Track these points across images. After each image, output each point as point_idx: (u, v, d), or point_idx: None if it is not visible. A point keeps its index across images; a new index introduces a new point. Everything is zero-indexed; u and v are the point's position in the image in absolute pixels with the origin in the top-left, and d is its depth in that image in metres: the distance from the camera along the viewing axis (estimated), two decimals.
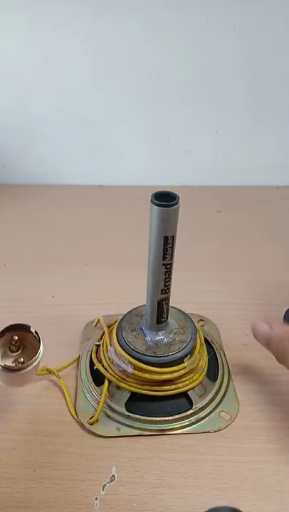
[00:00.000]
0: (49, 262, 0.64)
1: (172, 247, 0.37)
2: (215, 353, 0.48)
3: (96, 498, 0.36)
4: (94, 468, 0.38)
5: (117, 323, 0.45)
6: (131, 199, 0.79)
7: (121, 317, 0.45)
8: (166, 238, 0.36)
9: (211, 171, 0.85)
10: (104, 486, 0.37)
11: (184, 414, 0.41)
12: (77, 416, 0.42)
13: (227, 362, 0.47)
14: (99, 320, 0.50)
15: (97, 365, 0.44)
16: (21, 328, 0.39)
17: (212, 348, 0.48)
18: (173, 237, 0.36)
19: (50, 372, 0.45)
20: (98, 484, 0.37)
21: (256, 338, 0.41)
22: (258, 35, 0.73)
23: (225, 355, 0.48)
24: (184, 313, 0.45)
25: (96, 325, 0.51)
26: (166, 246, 0.36)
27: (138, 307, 0.46)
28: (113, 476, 0.38)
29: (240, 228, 0.73)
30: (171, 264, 0.38)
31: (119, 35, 0.72)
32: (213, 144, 0.83)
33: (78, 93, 0.78)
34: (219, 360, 0.47)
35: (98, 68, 0.75)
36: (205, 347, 0.45)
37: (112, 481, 0.37)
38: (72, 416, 0.42)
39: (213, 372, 0.45)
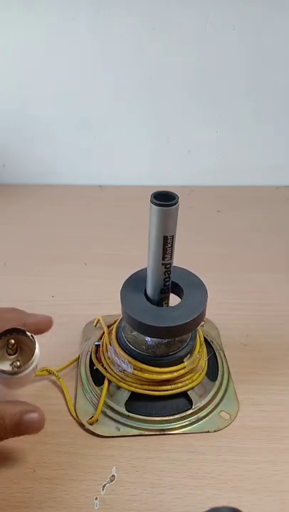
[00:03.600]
0: (49, 262, 0.64)
1: (172, 247, 0.37)
2: (215, 353, 0.48)
3: (96, 498, 0.36)
4: (94, 468, 0.38)
5: (116, 323, 0.45)
6: (131, 199, 0.79)
7: (121, 317, 0.45)
8: (165, 238, 0.36)
9: (211, 171, 0.85)
10: (104, 486, 0.37)
11: (184, 414, 0.41)
12: (77, 416, 0.42)
13: (227, 362, 0.47)
14: (99, 320, 0.50)
15: (97, 365, 0.44)
16: (17, 332, 0.39)
17: (212, 348, 0.48)
18: (172, 237, 0.36)
19: (49, 373, 0.45)
20: (98, 484, 0.37)
21: None
22: (258, 35, 0.73)
23: (225, 355, 0.48)
24: None
25: (96, 325, 0.51)
26: (165, 246, 0.36)
27: None
28: (113, 476, 0.38)
29: (240, 228, 0.73)
30: (170, 263, 0.38)
31: (119, 35, 0.72)
32: (213, 144, 0.83)
33: (78, 93, 0.78)
34: (219, 360, 0.47)
35: (98, 68, 0.75)
36: (205, 347, 0.45)
37: (112, 481, 0.37)
38: (72, 416, 0.42)
39: (212, 372, 0.45)
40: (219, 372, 0.45)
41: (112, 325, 0.47)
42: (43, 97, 0.78)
